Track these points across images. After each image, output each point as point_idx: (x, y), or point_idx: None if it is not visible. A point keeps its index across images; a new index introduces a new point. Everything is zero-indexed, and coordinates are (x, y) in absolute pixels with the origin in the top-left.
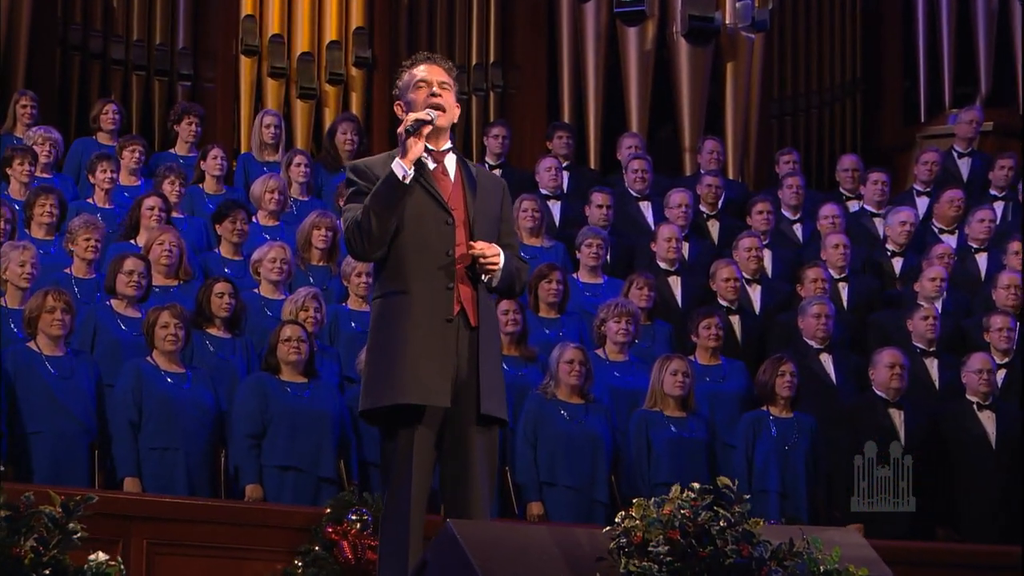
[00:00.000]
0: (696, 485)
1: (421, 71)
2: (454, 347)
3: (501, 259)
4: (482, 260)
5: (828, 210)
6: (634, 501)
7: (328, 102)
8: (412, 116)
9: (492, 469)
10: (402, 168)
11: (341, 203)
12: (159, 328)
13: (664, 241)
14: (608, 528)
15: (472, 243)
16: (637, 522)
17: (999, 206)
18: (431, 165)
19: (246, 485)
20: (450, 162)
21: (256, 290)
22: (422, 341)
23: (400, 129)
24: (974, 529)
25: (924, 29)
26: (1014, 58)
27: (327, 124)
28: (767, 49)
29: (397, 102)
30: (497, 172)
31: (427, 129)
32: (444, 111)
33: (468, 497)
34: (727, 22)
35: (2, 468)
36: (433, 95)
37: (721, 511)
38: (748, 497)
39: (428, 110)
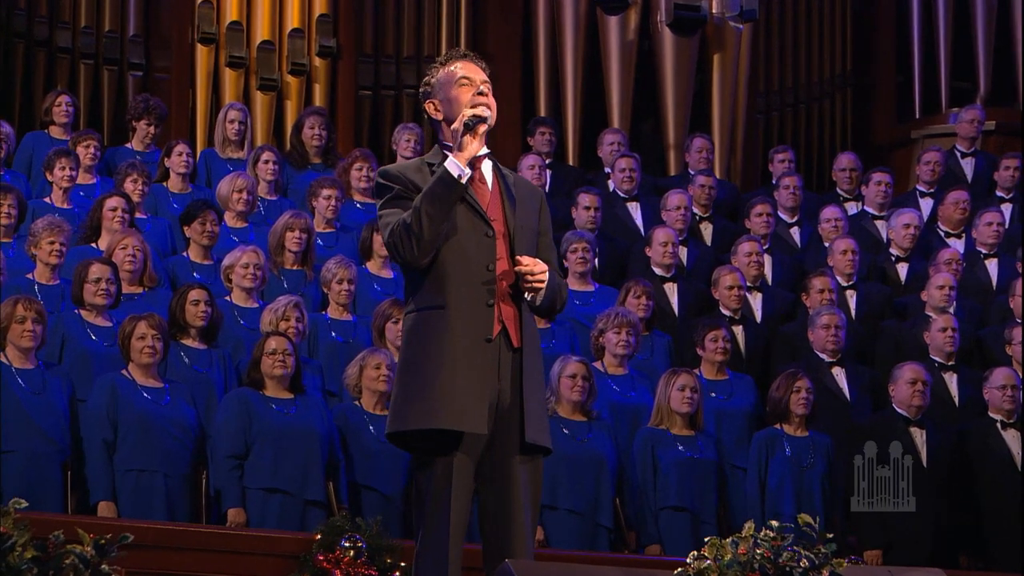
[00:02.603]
0: (775, 523)
1: (460, 68)
2: (495, 369)
3: (546, 276)
4: (529, 277)
5: (830, 213)
6: (706, 540)
7: (290, 94)
8: (470, 112)
9: (536, 501)
10: (457, 167)
11: (315, 203)
12: (135, 340)
13: (660, 245)
14: (679, 569)
15: (519, 258)
16: (710, 563)
17: (1006, 208)
18: (467, 172)
19: (228, 509)
20: (487, 169)
21: (228, 297)
22: (460, 361)
23: (456, 124)
24: (1000, 556)
25: (919, 20)
26: (1014, 55)
27: (288, 117)
28: (755, 40)
29: (430, 100)
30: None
31: (483, 127)
32: (491, 112)
33: (510, 532)
34: (714, 11)
35: (24, 503)
36: (480, 94)
37: (803, 551)
38: (832, 537)
39: (483, 108)
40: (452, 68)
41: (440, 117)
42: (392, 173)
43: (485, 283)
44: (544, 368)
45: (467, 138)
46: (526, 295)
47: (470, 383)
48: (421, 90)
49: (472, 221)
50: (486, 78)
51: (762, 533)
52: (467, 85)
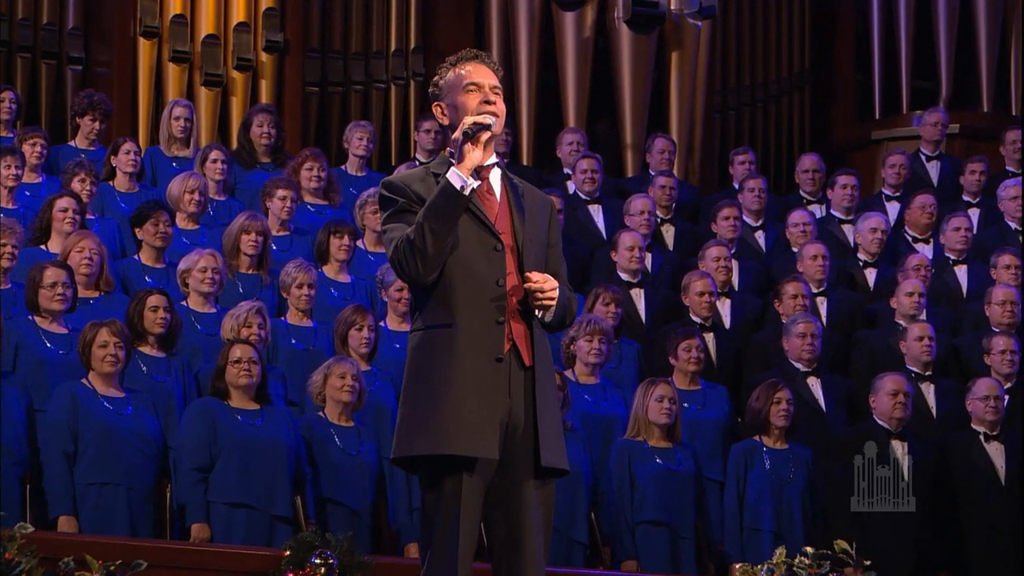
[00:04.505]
0: (810, 549)
1: (470, 72)
2: (505, 389)
3: (557, 293)
4: (539, 295)
5: (798, 217)
6: (737, 566)
7: (235, 90)
8: (470, 119)
9: (548, 525)
10: (460, 178)
11: (269, 203)
12: (97, 347)
13: (626, 250)
14: None
15: (528, 274)
16: None
17: (974, 213)
18: (474, 183)
19: (192, 524)
20: (495, 179)
21: (184, 302)
22: (469, 382)
23: (456, 133)
24: (984, 574)
25: (879, 18)
26: (976, 56)
27: (234, 114)
28: (713, 38)
29: (436, 103)
30: None
31: (486, 135)
32: (498, 118)
33: (521, 558)
34: (672, 8)
35: (30, 527)
36: (487, 102)
37: None
38: (868, 563)
39: (485, 115)
40: (461, 71)
41: (447, 122)
42: (395, 185)
43: (494, 300)
44: None
45: (468, 147)
46: (536, 312)
47: (480, 405)
48: (429, 91)
49: (479, 235)
50: (496, 83)
51: (796, 560)
52: (475, 91)
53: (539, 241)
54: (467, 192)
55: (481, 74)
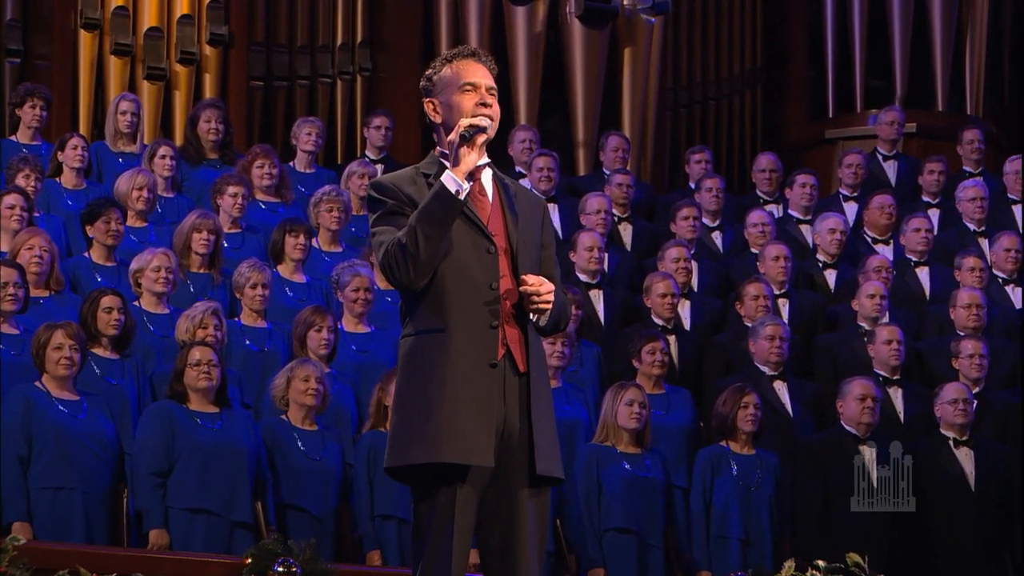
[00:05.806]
0: (821, 563)
1: (467, 71)
2: (500, 396)
3: (553, 296)
4: (535, 298)
5: (757, 217)
6: None
7: (178, 84)
8: (466, 121)
9: (542, 537)
10: (455, 181)
11: (220, 201)
12: (51, 350)
13: (585, 251)
14: None
15: (524, 277)
16: None
17: (933, 214)
18: (468, 186)
19: (150, 530)
20: (486, 179)
21: (136, 303)
22: (462, 388)
23: (452, 136)
24: None
25: (832, 15)
26: (931, 55)
27: (177, 108)
28: (666, 34)
29: (429, 99)
30: (379, 168)
31: (482, 138)
32: (493, 121)
33: (515, 571)
34: (625, 4)
35: (22, 539)
36: (484, 104)
37: None
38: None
39: (481, 117)
40: (457, 69)
41: (439, 120)
42: (385, 186)
43: (488, 303)
44: None
45: (463, 150)
46: (531, 316)
47: (474, 412)
48: (421, 85)
49: (472, 237)
50: (492, 84)
51: (808, 573)
52: (471, 91)
53: (533, 243)
54: (462, 196)
55: (478, 74)
